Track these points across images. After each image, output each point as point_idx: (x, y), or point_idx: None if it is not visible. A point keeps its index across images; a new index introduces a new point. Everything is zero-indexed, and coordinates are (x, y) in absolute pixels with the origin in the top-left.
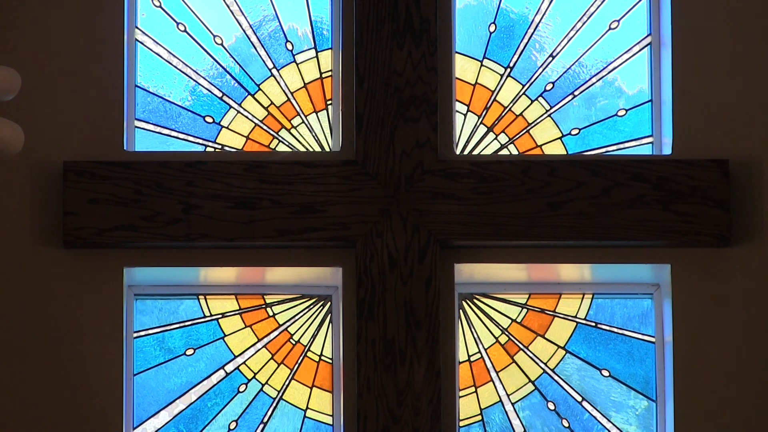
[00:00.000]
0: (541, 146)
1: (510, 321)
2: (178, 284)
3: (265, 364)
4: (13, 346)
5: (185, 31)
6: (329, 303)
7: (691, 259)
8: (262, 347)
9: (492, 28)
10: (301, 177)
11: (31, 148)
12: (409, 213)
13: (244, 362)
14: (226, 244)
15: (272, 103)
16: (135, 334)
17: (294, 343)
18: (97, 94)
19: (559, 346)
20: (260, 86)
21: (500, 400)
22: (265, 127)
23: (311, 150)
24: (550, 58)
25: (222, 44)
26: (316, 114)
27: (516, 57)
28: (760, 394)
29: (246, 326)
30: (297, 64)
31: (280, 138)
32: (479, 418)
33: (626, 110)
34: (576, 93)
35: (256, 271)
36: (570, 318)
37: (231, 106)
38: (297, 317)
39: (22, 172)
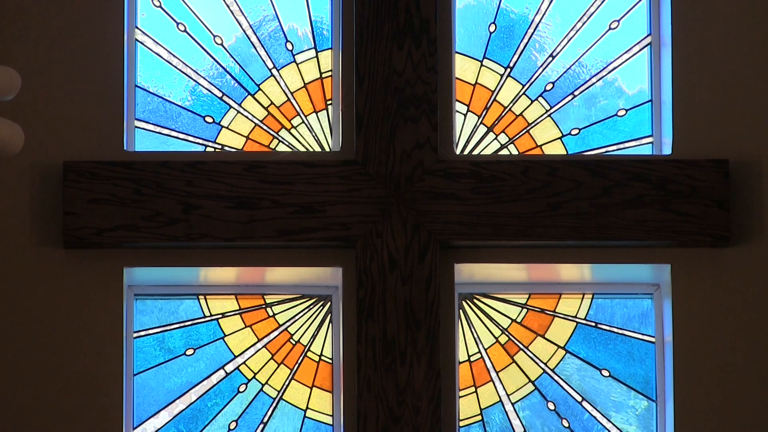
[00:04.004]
0: (541, 146)
1: (510, 321)
2: (178, 284)
3: (265, 364)
4: (13, 346)
5: (185, 31)
6: (329, 303)
7: (691, 259)
8: (262, 347)
9: (492, 28)
10: (301, 177)
11: (31, 148)
12: (409, 213)
13: (244, 362)
14: (226, 244)
15: (272, 103)
16: (135, 334)
17: (294, 343)
18: (97, 94)
19: (559, 346)
20: (260, 86)
21: (500, 400)
22: (265, 127)
23: (311, 150)
24: (550, 58)
25: (222, 44)
26: (316, 114)
27: (516, 57)
28: (760, 394)
29: (246, 326)
30: (297, 64)
31: (280, 138)
32: (479, 418)
33: (626, 110)
34: (576, 93)
35: (256, 271)
36: (570, 318)
37: (231, 106)
38: (297, 317)
39: (22, 172)
